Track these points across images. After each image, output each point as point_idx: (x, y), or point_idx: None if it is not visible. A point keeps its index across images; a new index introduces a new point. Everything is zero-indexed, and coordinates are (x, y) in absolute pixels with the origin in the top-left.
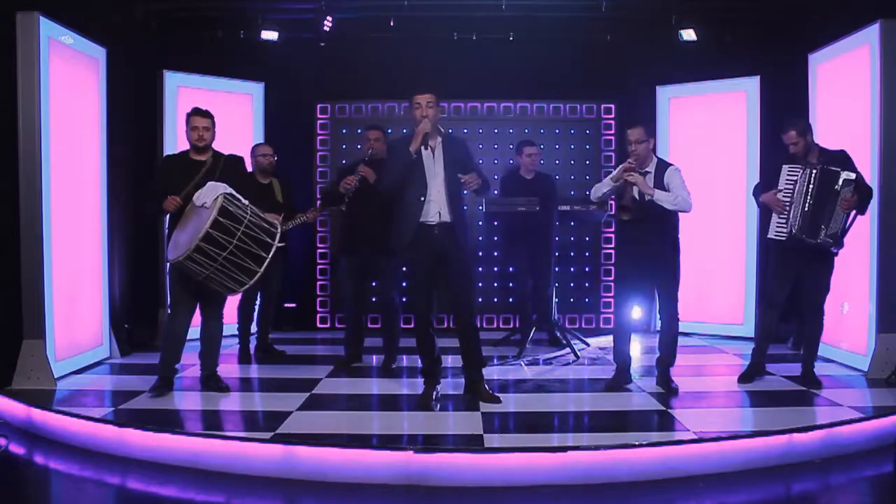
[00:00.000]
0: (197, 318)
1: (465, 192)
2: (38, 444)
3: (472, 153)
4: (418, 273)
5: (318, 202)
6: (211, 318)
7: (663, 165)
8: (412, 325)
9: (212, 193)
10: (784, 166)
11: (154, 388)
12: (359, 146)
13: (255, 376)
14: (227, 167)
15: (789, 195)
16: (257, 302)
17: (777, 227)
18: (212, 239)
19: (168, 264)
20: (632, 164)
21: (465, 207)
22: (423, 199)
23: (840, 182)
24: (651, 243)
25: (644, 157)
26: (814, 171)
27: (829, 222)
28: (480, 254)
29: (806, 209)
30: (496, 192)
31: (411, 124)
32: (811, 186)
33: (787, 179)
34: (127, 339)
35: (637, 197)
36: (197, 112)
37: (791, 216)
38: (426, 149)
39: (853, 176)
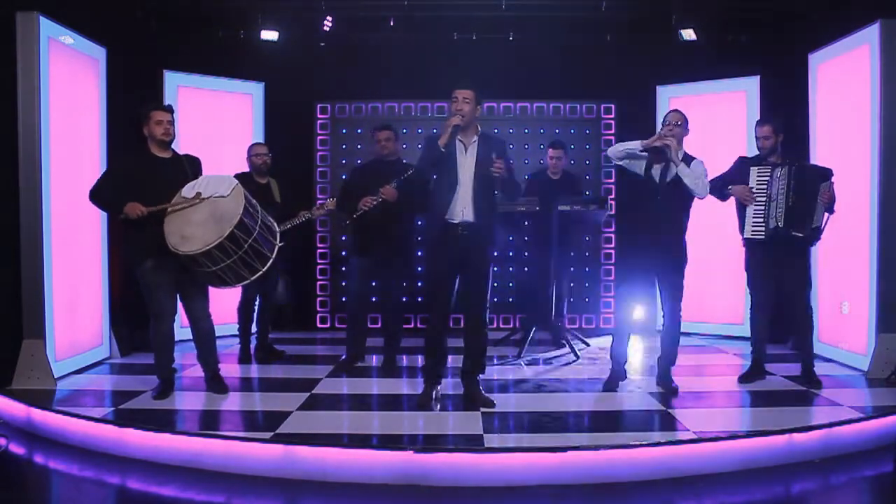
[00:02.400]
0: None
1: (496, 192)
2: (38, 444)
3: (508, 155)
4: (440, 272)
5: (336, 199)
6: (202, 317)
7: (689, 158)
8: (425, 324)
9: (224, 183)
10: (753, 168)
11: (156, 391)
12: (359, 146)
13: (255, 376)
14: (194, 166)
15: (763, 194)
16: (257, 302)
17: (754, 226)
18: (243, 225)
19: (140, 270)
20: (669, 133)
21: (497, 209)
22: (452, 196)
23: (819, 177)
24: (662, 233)
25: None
26: (792, 168)
27: (814, 215)
28: None
29: (790, 203)
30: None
31: (411, 124)
32: (791, 182)
33: (759, 180)
34: (127, 337)
35: (658, 180)
36: (160, 107)
37: (772, 213)
38: (461, 144)
39: (829, 172)
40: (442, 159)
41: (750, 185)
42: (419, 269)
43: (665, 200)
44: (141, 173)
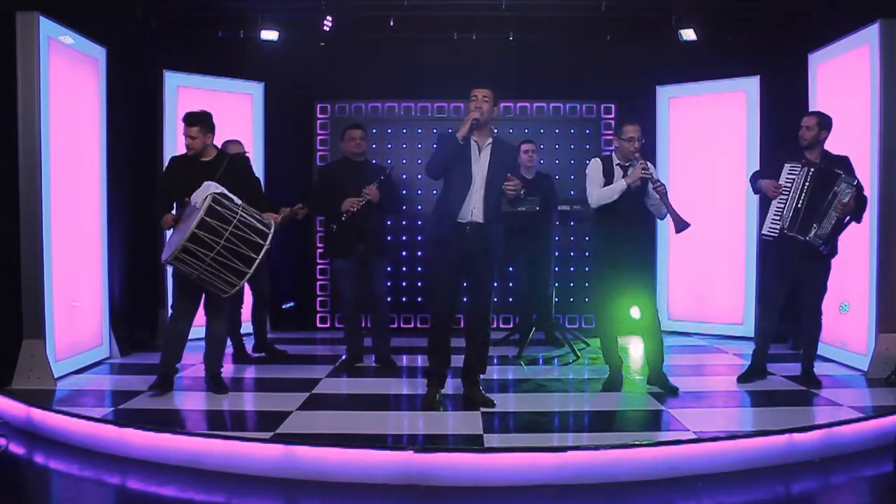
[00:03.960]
0: (200, 318)
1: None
2: (38, 444)
3: (519, 162)
4: (444, 272)
5: (311, 202)
6: (215, 318)
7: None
8: (426, 324)
9: (202, 193)
10: (785, 164)
11: (154, 386)
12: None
13: (255, 376)
14: (230, 167)
15: (787, 192)
16: (243, 305)
17: (771, 224)
18: (198, 239)
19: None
20: (645, 165)
21: (501, 212)
22: (465, 195)
23: (839, 185)
24: (632, 236)
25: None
26: (811, 170)
27: (822, 222)
28: None
29: (799, 206)
30: None
31: (411, 124)
32: (807, 184)
33: (787, 178)
34: (127, 337)
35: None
36: (183, 119)
37: (784, 213)
38: (476, 145)
39: (854, 181)
40: (457, 156)
41: (780, 181)
42: (390, 268)
43: (632, 206)
44: (176, 174)
